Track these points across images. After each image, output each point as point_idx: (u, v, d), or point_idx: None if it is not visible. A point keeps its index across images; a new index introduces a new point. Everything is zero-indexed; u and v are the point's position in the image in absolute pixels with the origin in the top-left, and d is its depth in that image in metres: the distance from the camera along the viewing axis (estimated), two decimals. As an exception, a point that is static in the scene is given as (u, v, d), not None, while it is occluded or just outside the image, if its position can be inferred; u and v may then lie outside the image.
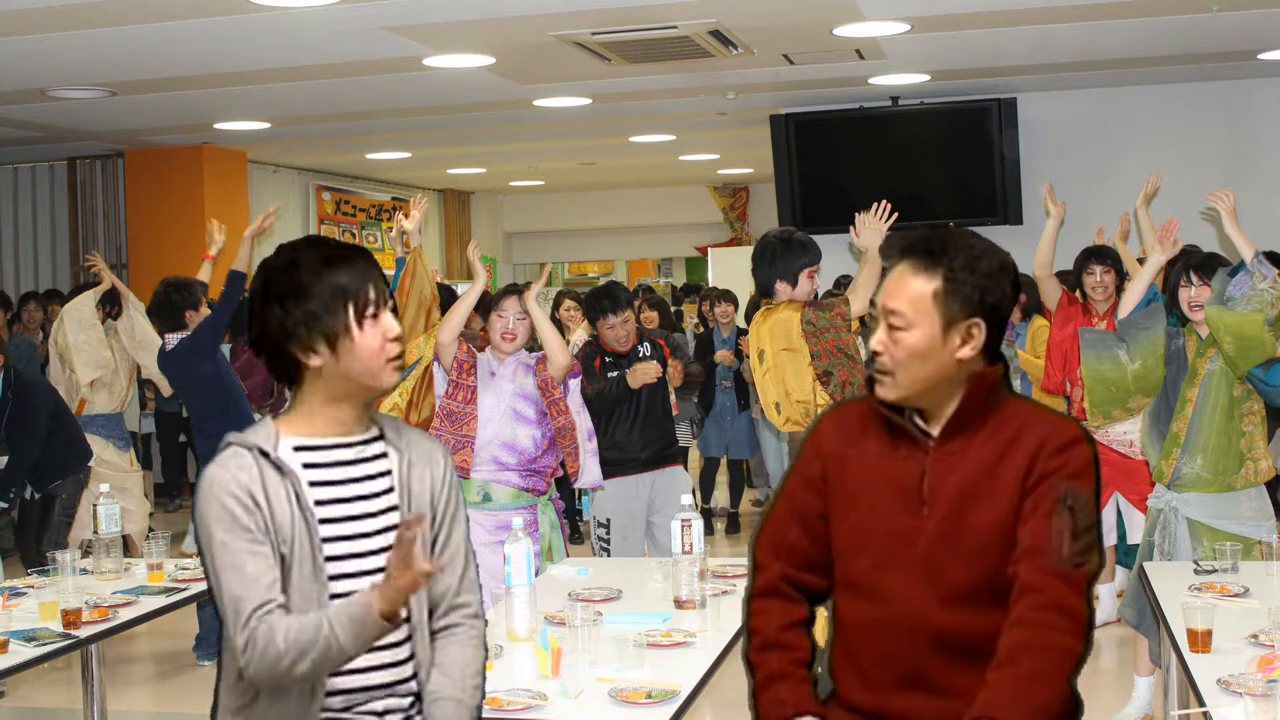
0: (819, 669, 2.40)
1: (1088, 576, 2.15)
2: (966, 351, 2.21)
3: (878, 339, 2.22)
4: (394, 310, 2.24)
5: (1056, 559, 2.13)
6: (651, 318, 8.67)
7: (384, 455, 2.27)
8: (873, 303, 2.28)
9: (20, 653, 3.53)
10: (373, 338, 2.17)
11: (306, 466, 2.19)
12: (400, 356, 2.22)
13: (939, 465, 2.23)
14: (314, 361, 2.17)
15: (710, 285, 12.53)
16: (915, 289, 2.20)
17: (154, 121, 9.31)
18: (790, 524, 2.36)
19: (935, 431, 2.25)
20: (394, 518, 2.25)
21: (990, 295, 2.20)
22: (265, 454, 2.16)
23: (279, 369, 2.21)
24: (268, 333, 2.18)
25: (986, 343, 2.22)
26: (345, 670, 2.19)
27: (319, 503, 2.18)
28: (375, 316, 2.18)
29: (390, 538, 2.23)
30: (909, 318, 2.19)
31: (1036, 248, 5.69)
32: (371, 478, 2.24)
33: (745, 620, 2.40)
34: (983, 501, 2.19)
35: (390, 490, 2.26)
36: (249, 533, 2.11)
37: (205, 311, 5.93)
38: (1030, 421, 2.23)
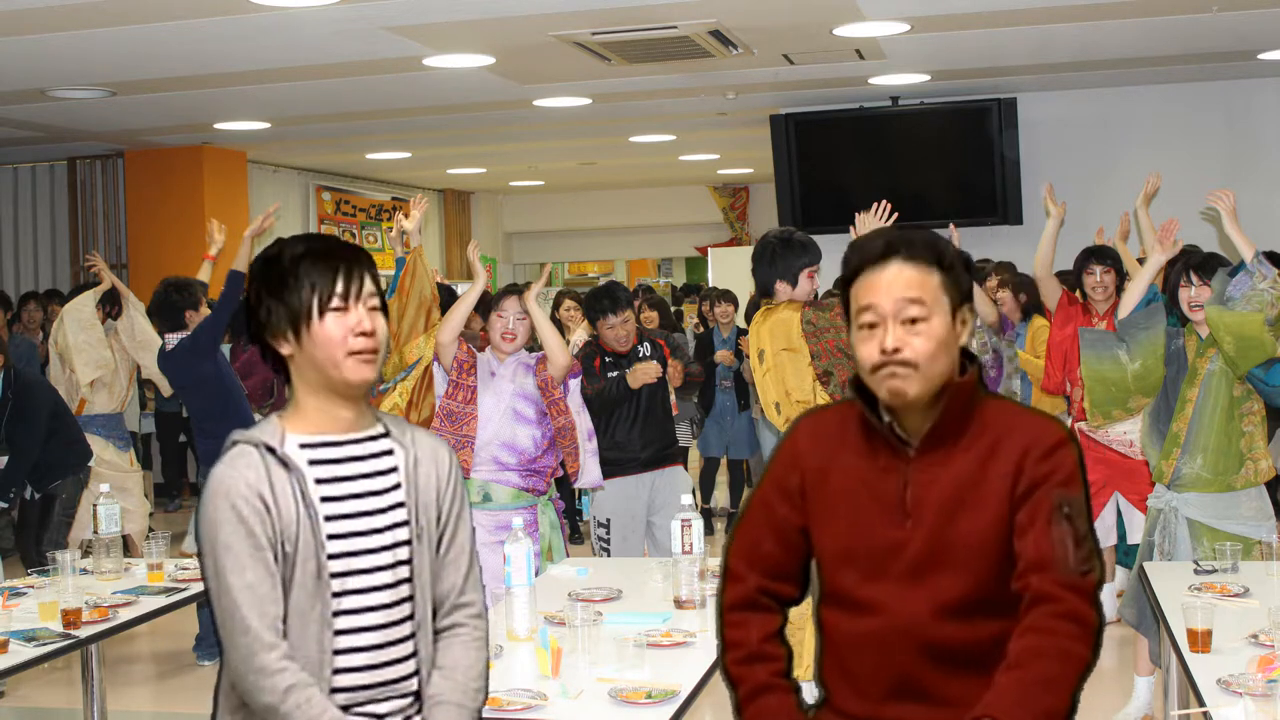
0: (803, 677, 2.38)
1: (1094, 585, 2.15)
2: (965, 338, 2.22)
3: (895, 336, 2.14)
4: (383, 310, 2.23)
5: (1065, 570, 2.11)
6: (651, 318, 8.66)
7: (390, 452, 2.27)
8: (865, 308, 2.17)
9: (20, 653, 3.53)
10: (335, 328, 2.17)
11: (312, 463, 2.19)
12: (372, 353, 2.19)
13: (921, 475, 2.19)
14: (285, 350, 2.20)
15: (710, 285, 12.53)
16: (925, 279, 2.16)
17: (154, 121, 9.31)
18: (765, 534, 2.32)
19: (915, 441, 2.21)
20: (401, 514, 2.24)
21: (967, 282, 2.22)
22: (271, 450, 2.17)
23: (271, 360, 2.24)
24: (254, 320, 2.22)
25: None
26: (348, 668, 2.19)
27: (325, 499, 2.19)
28: (342, 310, 2.17)
29: (397, 535, 2.23)
30: (929, 306, 2.15)
31: (1036, 248, 5.69)
32: (378, 474, 2.25)
33: (720, 631, 2.36)
34: (969, 511, 2.16)
35: (397, 487, 2.26)
36: (254, 538, 2.11)
37: (205, 311, 5.92)
38: (1012, 425, 2.20)
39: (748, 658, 2.31)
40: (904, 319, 2.14)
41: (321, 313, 2.17)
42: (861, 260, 2.20)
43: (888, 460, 2.21)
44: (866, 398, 2.23)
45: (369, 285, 2.21)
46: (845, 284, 2.23)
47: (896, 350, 2.13)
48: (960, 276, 2.20)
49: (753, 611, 2.33)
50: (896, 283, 2.15)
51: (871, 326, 2.17)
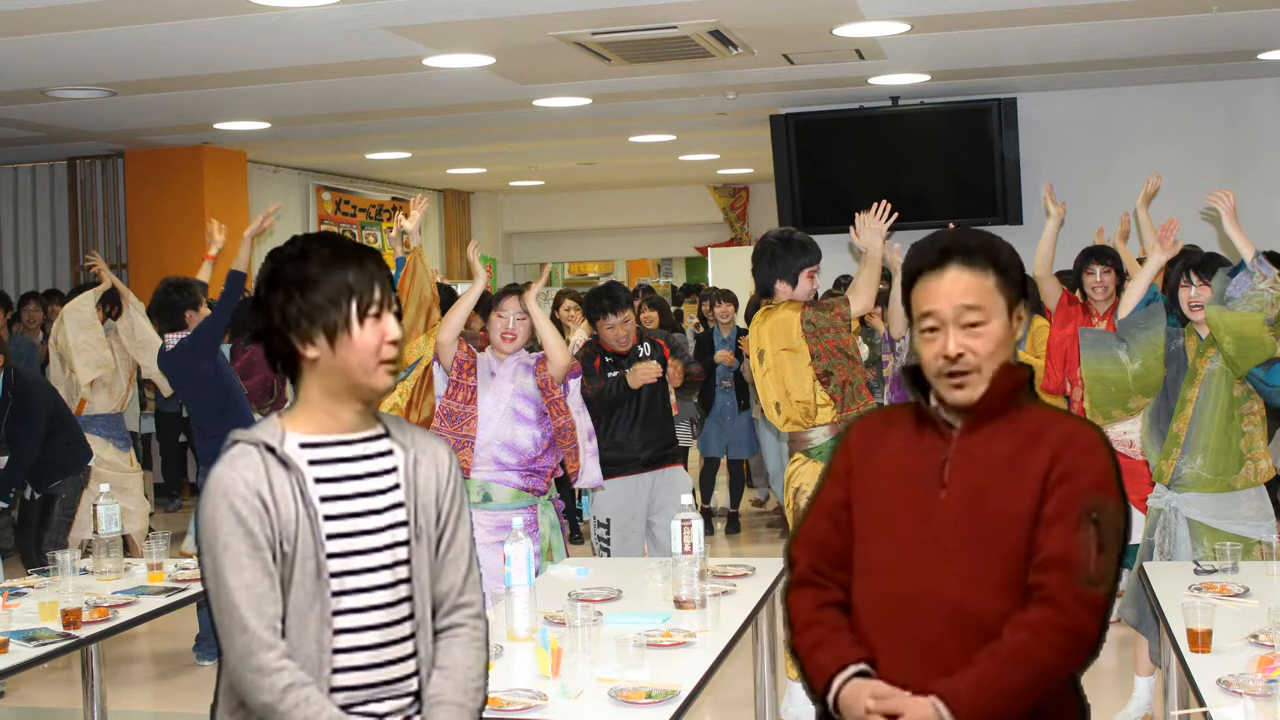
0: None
1: (1105, 598, 2.20)
2: (1020, 334, 2.34)
3: (956, 342, 2.25)
4: (398, 315, 2.25)
5: (1083, 576, 2.18)
6: (651, 318, 8.66)
7: (389, 453, 2.28)
8: (926, 314, 2.28)
9: (20, 653, 3.53)
10: (371, 336, 2.19)
11: (312, 463, 2.20)
12: (396, 361, 2.22)
13: (961, 453, 2.29)
14: (310, 353, 2.19)
15: (710, 285, 12.53)
16: (981, 283, 2.27)
17: (154, 121, 9.31)
18: (818, 520, 2.43)
19: (959, 423, 2.31)
20: (400, 514, 2.25)
21: (1021, 280, 2.34)
22: (271, 449, 2.17)
23: (278, 359, 2.22)
24: (270, 320, 2.20)
25: None
26: (347, 667, 2.19)
27: (324, 499, 2.19)
28: (378, 316, 2.20)
29: (396, 535, 2.23)
30: (988, 310, 2.26)
31: (1036, 248, 5.68)
32: (377, 474, 2.25)
33: (785, 614, 2.45)
34: (1002, 488, 2.24)
35: (396, 487, 2.26)
36: (252, 537, 2.11)
37: (205, 311, 5.92)
38: (1053, 421, 2.30)
39: (804, 626, 2.37)
40: (963, 324, 2.26)
41: (361, 319, 2.18)
42: (919, 266, 2.32)
43: (933, 441, 2.32)
44: (921, 384, 2.34)
45: (391, 290, 2.25)
46: (905, 288, 2.35)
47: (959, 356, 2.25)
48: (1015, 276, 2.32)
49: (808, 588, 2.40)
50: (954, 289, 2.27)
51: (933, 330, 2.28)
